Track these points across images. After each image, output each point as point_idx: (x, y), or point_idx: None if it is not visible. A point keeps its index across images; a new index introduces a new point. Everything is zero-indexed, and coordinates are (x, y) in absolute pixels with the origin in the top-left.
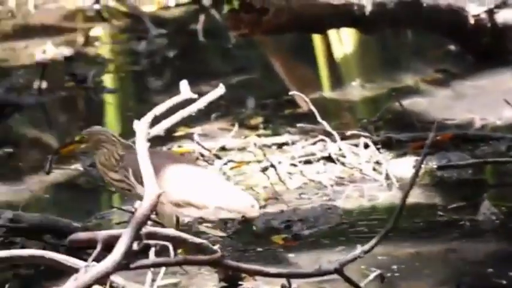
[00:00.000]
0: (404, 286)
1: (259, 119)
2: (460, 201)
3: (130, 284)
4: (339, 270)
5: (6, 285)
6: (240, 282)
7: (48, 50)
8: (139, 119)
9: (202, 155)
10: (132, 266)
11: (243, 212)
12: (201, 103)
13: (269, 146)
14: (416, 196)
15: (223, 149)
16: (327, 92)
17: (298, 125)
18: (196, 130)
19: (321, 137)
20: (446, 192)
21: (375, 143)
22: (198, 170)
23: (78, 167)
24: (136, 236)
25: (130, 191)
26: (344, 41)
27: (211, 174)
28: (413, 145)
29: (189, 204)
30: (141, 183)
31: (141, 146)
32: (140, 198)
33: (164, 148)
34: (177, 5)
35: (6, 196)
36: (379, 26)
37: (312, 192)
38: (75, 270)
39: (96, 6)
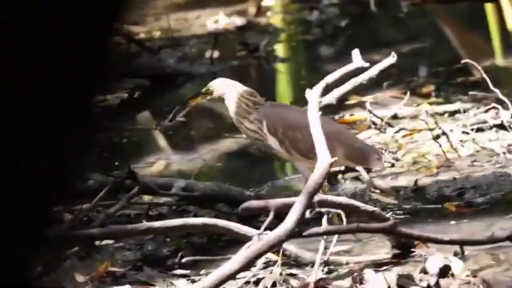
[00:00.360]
0: None
1: (431, 87)
2: None
3: (303, 252)
4: (511, 238)
5: (180, 253)
6: (412, 249)
7: (220, 20)
8: (311, 87)
9: (374, 123)
10: (304, 233)
11: (367, 165)
12: (373, 71)
13: (441, 114)
14: None
15: (395, 117)
16: (499, 60)
17: (470, 92)
18: (368, 98)
19: (493, 104)
20: None
21: None
22: (328, 124)
23: None
24: (309, 204)
25: (263, 142)
26: None
27: (341, 127)
28: None
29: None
30: (273, 134)
31: (313, 114)
32: (270, 148)
33: (336, 116)
34: None
35: (179, 165)
36: None
37: (484, 160)
38: (248, 239)
39: None
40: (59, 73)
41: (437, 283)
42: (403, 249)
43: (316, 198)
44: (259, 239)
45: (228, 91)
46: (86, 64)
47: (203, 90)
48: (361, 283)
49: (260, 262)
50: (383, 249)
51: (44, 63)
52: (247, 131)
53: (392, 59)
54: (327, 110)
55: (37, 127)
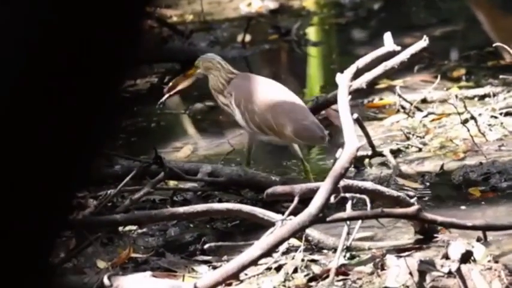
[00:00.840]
0: None
1: (462, 71)
2: None
3: (326, 237)
4: None
5: (203, 239)
6: (435, 235)
7: (253, 3)
8: (342, 71)
9: (403, 107)
10: (328, 219)
11: (311, 142)
12: (404, 55)
13: (471, 98)
14: None
15: (424, 101)
16: None
17: (501, 76)
18: (398, 82)
19: None
20: None
21: None
22: (284, 96)
23: None
24: (334, 189)
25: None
26: None
27: (296, 102)
28: None
29: (271, 128)
30: (238, 107)
31: (343, 98)
32: (238, 124)
33: (365, 101)
34: None
35: (207, 150)
36: None
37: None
38: (272, 224)
39: None
40: (87, 56)
41: (458, 269)
42: (426, 234)
43: (342, 183)
44: (283, 224)
45: (210, 66)
46: (117, 48)
47: (195, 64)
48: (382, 269)
49: (282, 248)
50: (406, 234)
51: (72, 45)
52: (222, 105)
53: (424, 42)
54: (357, 94)
55: (63, 111)
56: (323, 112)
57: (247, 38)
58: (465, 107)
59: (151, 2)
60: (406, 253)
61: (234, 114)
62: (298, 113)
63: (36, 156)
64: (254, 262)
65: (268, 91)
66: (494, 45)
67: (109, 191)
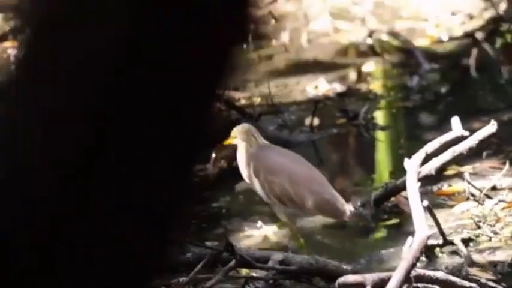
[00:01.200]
0: None
1: None
2: None
3: None
4: None
5: None
6: None
7: (320, 85)
8: (410, 156)
9: (472, 195)
10: None
11: (334, 217)
12: (473, 141)
13: None
14: None
15: (493, 188)
16: None
17: None
18: (467, 169)
19: None
20: None
21: None
22: (302, 168)
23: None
24: (406, 279)
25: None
26: None
27: (314, 173)
28: None
29: (291, 200)
30: (257, 177)
31: (412, 185)
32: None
33: (435, 187)
34: (450, 39)
35: (276, 237)
36: None
37: None
38: None
39: (369, 41)
40: (158, 141)
41: None
42: None
43: (413, 273)
44: None
45: (244, 138)
46: (186, 132)
47: (232, 134)
48: None
49: None
50: None
51: (145, 132)
52: (245, 177)
53: (492, 127)
54: (426, 181)
55: (136, 199)
56: (393, 199)
57: (315, 121)
58: None
59: (221, 85)
60: None
61: (254, 185)
62: (317, 184)
63: (111, 245)
64: None
65: (287, 162)
66: None
67: (181, 279)
